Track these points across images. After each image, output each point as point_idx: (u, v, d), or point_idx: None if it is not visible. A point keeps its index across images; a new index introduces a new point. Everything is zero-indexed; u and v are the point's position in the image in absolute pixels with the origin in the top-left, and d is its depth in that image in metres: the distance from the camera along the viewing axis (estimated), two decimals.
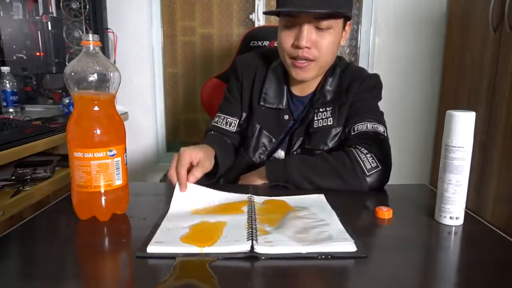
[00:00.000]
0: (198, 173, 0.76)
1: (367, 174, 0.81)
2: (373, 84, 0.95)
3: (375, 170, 0.81)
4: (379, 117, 0.92)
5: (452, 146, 0.62)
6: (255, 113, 0.98)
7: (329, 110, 0.93)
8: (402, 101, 2.04)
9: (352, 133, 0.89)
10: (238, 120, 1.00)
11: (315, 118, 0.92)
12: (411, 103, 2.05)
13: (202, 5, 2.07)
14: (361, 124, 0.89)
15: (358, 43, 2.06)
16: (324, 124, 0.92)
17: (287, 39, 0.85)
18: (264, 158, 0.97)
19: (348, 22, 0.89)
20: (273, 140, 0.96)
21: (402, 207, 0.73)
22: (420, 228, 0.65)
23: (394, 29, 2.00)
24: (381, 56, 2.02)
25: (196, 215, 0.66)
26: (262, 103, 0.97)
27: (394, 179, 0.87)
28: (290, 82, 0.97)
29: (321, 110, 0.93)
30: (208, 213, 0.67)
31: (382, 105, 0.97)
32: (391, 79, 2.02)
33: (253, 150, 0.97)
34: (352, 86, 0.93)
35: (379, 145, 0.84)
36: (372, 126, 0.88)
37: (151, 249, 0.53)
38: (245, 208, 0.68)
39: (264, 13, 0.89)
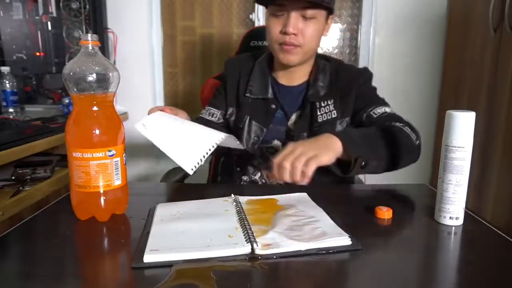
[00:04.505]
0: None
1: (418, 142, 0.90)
2: (370, 75, 1.03)
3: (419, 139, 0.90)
4: (388, 104, 0.99)
5: (452, 146, 0.62)
6: (243, 105, 1.02)
7: (331, 104, 0.97)
8: (402, 101, 2.03)
9: (375, 116, 0.94)
10: (220, 111, 1.05)
11: (319, 113, 0.97)
12: (411, 103, 2.05)
13: (202, 5, 2.07)
14: (379, 108, 0.95)
15: (358, 43, 2.06)
16: (329, 118, 0.97)
17: (275, 26, 0.91)
18: (256, 147, 1.01)
19: (330, 16, 0.95)
20: (264, 129, 1.00)
21: (402, 207, 0.72)
22: (420, 228, 0.65)
23: (394, 29, 2.00)
24: (381, 56, 2.02)
25: (184, 219, 0.65)
26: (248, 94, 1.01)
27: (394, 179, 0.87)
28: (276, 72, 1.02)
29: (322, 104, 0.97)
30: (194, 217, 0.65)
31: None
32: (391, 79, 2.02)
33: (246, 140, 1.00)
34: (354, 80, 0.99)
35: (407, 122, 0.91)
36: (390, 110, 0.95)
37: (148, 258, 0.51)
38: (232, 209, 0.68)
39: (256, 1, 0.94)
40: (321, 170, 0.71)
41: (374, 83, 1.02)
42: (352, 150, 0.74)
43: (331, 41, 2.07)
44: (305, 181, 0.70)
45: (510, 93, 1.44)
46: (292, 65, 0.95)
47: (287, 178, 0.70)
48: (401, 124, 0.89)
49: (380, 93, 1.00)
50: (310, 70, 1.01)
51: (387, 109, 0.95)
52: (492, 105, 1.55)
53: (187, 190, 0.73)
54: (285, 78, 1.01)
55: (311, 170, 0.69)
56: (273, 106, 0.99)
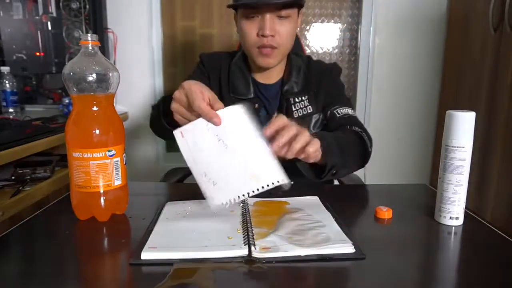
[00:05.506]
0: (220, 104, 0.66)
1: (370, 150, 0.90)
2: (339, 70, 1.06)
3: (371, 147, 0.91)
4: (352, 105, 1.03)
5: (452, 146, 0.62)
6: (227, 103, 0.99)
7: (305, 100, 0.99)
8: (402, 101, 2.03)
9: (338, 116, 0.97)
10: None
11: (294, 109, 0.98)
12: (411, 103, 2.05)
13: (202, 5, 2.07)
14: (343, 109, 0.98)
15: (358, 43, 2.05)
16: (305, 113, 0.98)
17: (251, 29, 0.90)
18: None
19: (300, 11, 0.95)
20: None
21: (402, 207, 0.72)
22: (420, 228, 0.65)
23: (394, 29, 2.00)
24: (381, 56, 2.02)
25: (187, 218, 0.65)
26: (232, 94, 1.00)
27: (394, 179, 0.86)
28: (254, 72, 1.02)
29: (297, 100, 0.98)
30: (198, 216, 0.66)
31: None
32: (391, 79, 2.02)
33: None
34: (325, 75, 1.02)
35: (364, 129, 0.93)
36: (352, 112, 0.98)
37: (145, 255, 0.52)
38: (238, 210, 0.68)
39: (228, 6, 0.92)
40: (295, 173, 0.69)
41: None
42: (328, 158, 0.73)
43: (331, 41, 2.07)
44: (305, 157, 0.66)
45: (510, 93, 1.44)
46: (271, 67, 0.96)
47: (286, 139, 0.62)
48: (360, 130, 0.91)
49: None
50: (285, 66, 1.02)
51: (350, 111, 0.97)
52: (492, 105, 1.55)
53: (187, 190, 0.73)
54: (263, 77, 1.02)
55: (314, 149, 0.65)
56: (256, 106, 1.00)
